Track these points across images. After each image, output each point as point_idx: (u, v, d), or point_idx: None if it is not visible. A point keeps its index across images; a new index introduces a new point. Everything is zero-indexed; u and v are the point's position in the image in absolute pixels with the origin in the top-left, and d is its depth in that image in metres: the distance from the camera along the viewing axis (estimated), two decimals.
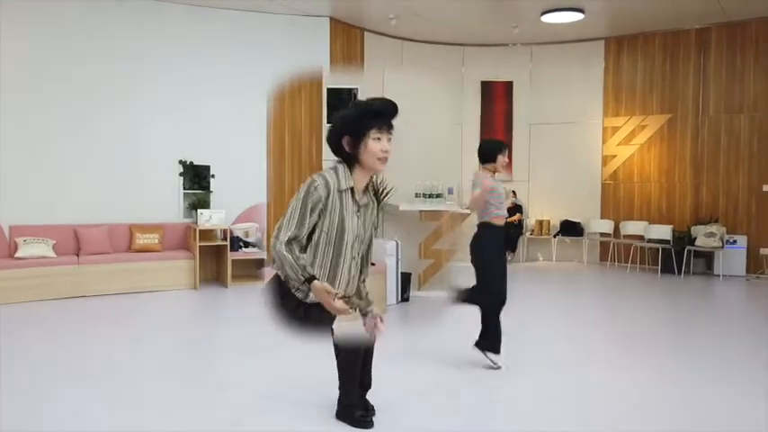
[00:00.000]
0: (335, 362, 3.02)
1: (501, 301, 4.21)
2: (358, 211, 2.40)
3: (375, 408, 3.16)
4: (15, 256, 6.76)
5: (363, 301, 2.60)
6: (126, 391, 3.73)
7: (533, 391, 3.81)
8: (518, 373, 4.14)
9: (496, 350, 4.19)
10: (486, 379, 4.04)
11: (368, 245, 2.53)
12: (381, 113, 2.33)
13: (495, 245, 4.23)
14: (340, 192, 2.33)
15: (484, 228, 4.23)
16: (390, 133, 2.39)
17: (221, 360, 4.57)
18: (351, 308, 2.41)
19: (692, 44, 9.40)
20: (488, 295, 4.16)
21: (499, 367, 4.17)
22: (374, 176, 2.53)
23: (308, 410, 3.36)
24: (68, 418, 3.27)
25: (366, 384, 3.10)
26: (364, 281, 2.61)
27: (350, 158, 2.38)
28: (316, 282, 2.28)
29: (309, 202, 2.29)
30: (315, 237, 2.34)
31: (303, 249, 2.35)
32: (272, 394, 3.68)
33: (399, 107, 2.43)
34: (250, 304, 6.78)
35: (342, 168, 2.39)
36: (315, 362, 3.85)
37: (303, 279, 2.27)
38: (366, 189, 2.48)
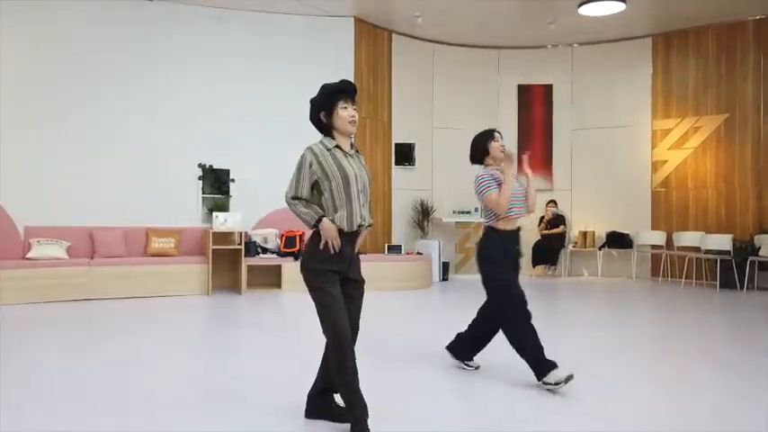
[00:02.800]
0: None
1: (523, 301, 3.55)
2: (351, 159, 2.85)
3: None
4: (27, 256, 6.66)
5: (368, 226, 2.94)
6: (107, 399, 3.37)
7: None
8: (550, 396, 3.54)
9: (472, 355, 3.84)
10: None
11: (366, 182, 2.90)
12: (344, 89, 2.85)
13: (502, 252, 3.65)
14: (329, 150, 2.80)
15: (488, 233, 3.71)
16: (354, 104, 2.86)
17: (207, 367, 4.18)
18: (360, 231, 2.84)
19: (750, 37, 8.59)
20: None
21: (476, 367, 3.83)
22: (354, 138, 2.94)
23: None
24: (60, 420, 2.98)
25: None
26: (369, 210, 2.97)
27: (329, 128, 2.87)
28: (325, 220, 2.73)
29: (301, 167, 2.79)
30: (330, 187, 2.76)
31: (307, 205, 2.81)
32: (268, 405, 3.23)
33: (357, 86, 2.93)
34: (257, 312, 6.43)
35: (325, 138, 2.89)
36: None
37: (315, 220, 2.74)
38: (351, 147, 2.91)
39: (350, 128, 2.84)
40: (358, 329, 2.88)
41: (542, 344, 3.46)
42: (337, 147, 2.83)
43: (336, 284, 2.75)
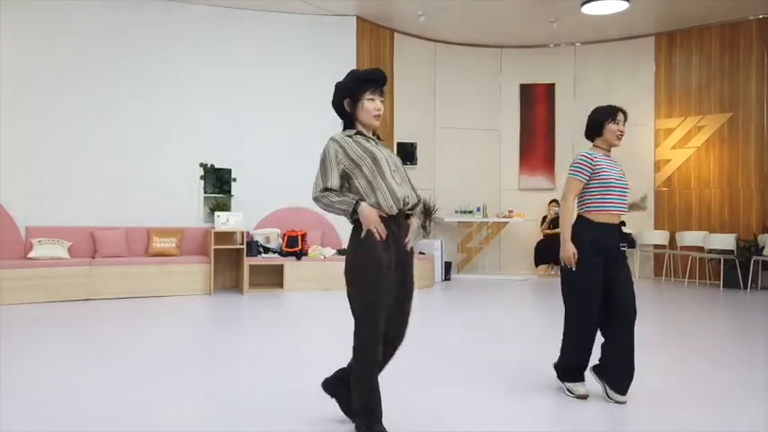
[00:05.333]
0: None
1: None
2: (374, 143, 2.71)
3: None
4: (28, 256, 6.65)
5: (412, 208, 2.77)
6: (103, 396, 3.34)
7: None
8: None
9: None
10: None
11: (397, 162, 2.74)
12: (373, 79, 2.69)
13: (590, 249, 3.14)
14: (350, 137, 2.67)
15: (579, 223, 3.20)
16: (382, 96, 2.72)
17: (198, 369, 4.15)
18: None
19: (754, 35, 8.55)
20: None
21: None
22: (376, 131, 2.79)
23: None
24: (64, 420, 2.97)
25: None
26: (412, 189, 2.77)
27: (351, 118, 2.73)
28: (363, 204, 2.56)
29: (326, 158, 2.64)
30: (363, 173, 2.60)
31: (340, 194, 2.64)
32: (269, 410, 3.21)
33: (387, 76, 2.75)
34: (260, 312, 6.41)
35: (344, 131, 2.75)
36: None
37: (352, 206, 2.56)
38: (373, 135, 2.77)
39: (374, 121, 2.70)
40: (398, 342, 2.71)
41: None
42: (358, 133, 2.70)
43: (385, 283, 2.53)
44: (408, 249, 2.70)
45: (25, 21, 7.02)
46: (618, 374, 3.17)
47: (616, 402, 3.15)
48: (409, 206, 2.67)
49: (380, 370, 2.68)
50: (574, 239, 3.15)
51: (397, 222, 2.63)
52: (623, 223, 3.22)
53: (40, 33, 7.11)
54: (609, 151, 3.31)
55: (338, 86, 2.75)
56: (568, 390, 3.28)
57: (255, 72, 8.13)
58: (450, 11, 8.37)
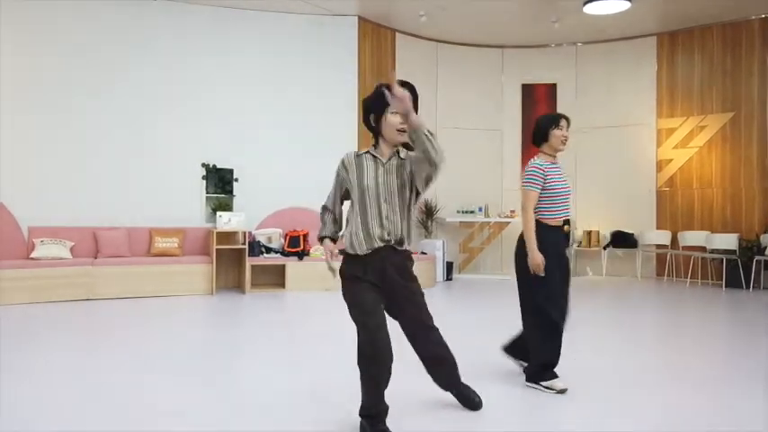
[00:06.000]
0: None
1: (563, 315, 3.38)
2: (381, 166, 2.62)
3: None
4: (30, 256, 6.65)
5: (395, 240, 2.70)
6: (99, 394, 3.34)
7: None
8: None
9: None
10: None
11: (396, 195, 2.63)
12: None
13: (554, 250, 3.33)
14: (358, 156, 2.65)
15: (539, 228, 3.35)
16: None
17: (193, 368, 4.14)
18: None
19: (756, 35, 8.54)
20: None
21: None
22: (399, 149, 2.69)
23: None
24: (69, 421, 2.96)
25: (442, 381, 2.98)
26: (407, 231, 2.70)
27: (376, 133, 2.68)
28: (326, 241, 2.77)
29: (335, 178, 2.75)
30: (353, 199, 2.67)
31: (335, 220, 2.82)
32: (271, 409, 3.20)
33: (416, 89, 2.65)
34: (263, 312, 6.40)
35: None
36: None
37: (318, 237, 2.84)
38: (393, 156, 2.67)
39: (397, 137, 2.60)
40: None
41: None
42: (368, 153, 2.66)
43: (362, 287, 2.61)
44: (404, 281, 2.68)
45: (27, 20, 7.03)
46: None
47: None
48: (390, 243, 2.60)
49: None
50: (539, 246, 3.31)
51: (381, 256, 2.61)
52: (567, 222, 3.39)
53: (42, 33, 7.11)
54: (555, 157, 3.52)
55: (364, 102, 2.70)
56: (548, 387, 3.35)
57: (257, 72, 8.13)
58: (452, 11, 8.37)
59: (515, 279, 3.53)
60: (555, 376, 3.37)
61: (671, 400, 3.27)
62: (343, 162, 2.70)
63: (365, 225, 2.60)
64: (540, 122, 3.52)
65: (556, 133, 3.44)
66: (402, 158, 2.67)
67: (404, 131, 2.56)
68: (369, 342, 2.52)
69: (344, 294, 2.68)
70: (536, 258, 3.28)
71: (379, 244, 2.59)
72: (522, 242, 3.42)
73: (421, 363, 2.88)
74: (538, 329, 3.39)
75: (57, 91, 7.18)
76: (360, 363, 2.58)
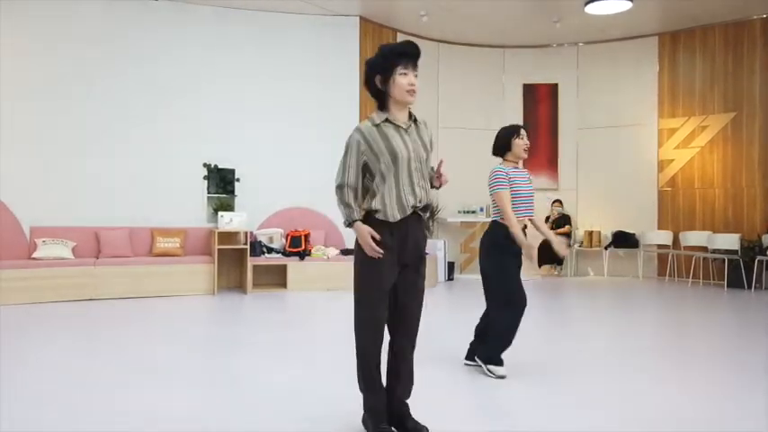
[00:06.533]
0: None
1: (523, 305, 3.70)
2: (404, 133, 2.57)
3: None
4: (32, 256, 6.66)
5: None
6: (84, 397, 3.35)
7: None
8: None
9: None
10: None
11: (423, 158, 2.64)
12: (405, 53, 2.55)
13: (507, 244, 3.67)
14: (377, 126, 2.55)
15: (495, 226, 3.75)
16: (415, 70, 2.57)
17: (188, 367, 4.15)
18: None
19: (758, 35, 8.53)
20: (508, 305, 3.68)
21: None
22: (410, 110, 2.66)
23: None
24: (66, 422, 2.97)
25: (396, 392, 2.67)
26: (432, 188, 2.75)
27: (383, 95, 2.59)
28: (359, 224, 2.53)
29: (348, 151, 2.57)
30: (380, 168, 2.53)
31: (357, 197, 2.58)
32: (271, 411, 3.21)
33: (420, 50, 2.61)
34: (265, 312, 6.41)
35: (375, 112, 2.62)
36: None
37: (347, 222, 2.57)
38: (409, 119, 2.64)
39: (408, 97, 2.55)
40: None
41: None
42: (387, 120, 2.57)
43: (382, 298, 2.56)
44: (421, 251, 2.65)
45: (28, 21, 7.04)
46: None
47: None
48: (419, 208, 2.59)
49: (395, 371, 2.67)
50: (499, 241, 3.67)
51: (407, 224, 2.57)
52: (525, 226, 3.73)
53: (42, 34, 7.12)
54: (517, 164, 3.79)
55: (369, 63, 2.62)
56: (491, 372, 3.61)
57: (258, 72, 8.14)
58: (453, 11, 8.37)
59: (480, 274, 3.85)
60: (501, 363, 3.63)
61: (671, 400, 3.27)
62: (362, 133, 2.55)
63: (399, 194, 2.53)
64: (502, 134, 3.79)
65: (518, 142, 3.72)
66: (417, 123, 2.66)
67: (414, 91, 2.55)
68: (371, 318, 2.56)
69: (363, 262, 2.56)
70: (529, 248, 3.66)
71: (409, 212, 2.55)
72: (488, 241, 3.77)
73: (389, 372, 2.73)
74: (503, 318, 3.67)
75: (58, 91, 7.19)
76: (362, 366, 2.58)
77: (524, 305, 3.67)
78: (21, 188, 6.91)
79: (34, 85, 7.07)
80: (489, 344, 3.70)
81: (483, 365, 3.69)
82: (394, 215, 2.53)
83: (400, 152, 2.52)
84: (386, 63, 2.54)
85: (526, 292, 3.71)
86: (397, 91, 2.54)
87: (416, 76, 2.57)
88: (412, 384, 2.71)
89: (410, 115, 2.64)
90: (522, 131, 3.76)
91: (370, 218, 2.56)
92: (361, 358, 2.60)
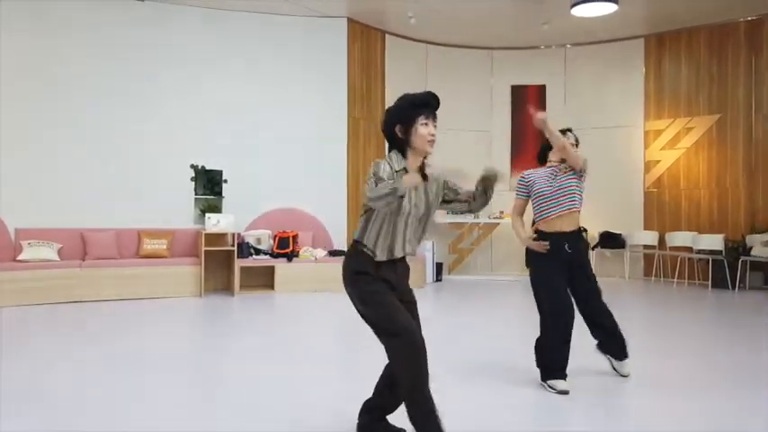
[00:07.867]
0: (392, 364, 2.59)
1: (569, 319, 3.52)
2: (414, 188, 2.57)
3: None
4: (18, 258, 6.61)
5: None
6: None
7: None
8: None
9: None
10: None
11: (427, 215, 2.68)
12: (426, 103, 2.62)
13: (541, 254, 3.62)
14: (395, 172, 2.55)
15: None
16: (435, 120, 2.63)
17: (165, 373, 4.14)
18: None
19: (742, 37, 8.63)
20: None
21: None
22: (425, 159, 2.70)
23: None
24: (53, 421, 2.90)
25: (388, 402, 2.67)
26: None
27: (402, 144, 2.61)
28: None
29: (381, 172, 2.50)
30: (378, 214, 2.53)
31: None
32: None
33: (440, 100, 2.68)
34: (251, 314, 6.40)
35: (394, 155, 2.63)
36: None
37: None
38: (420, 170, 2.65)
39: (428, 147, 2.60)
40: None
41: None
42: (405, 170, 2.58)
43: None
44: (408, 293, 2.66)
45: (16, 23, 6.97)
46: None
47: None
48: (399, 257, 2.58)
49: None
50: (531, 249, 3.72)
51: (393, 265, 2.57)
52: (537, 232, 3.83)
53: (29, 36, 7.07)
54: (559, 163, 3.82)
55: (390, 112, 2.65)
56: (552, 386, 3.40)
57: (246, 74, 8.12)
58: (441, 13, 8.40)
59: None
60: (559, 377, 3.44)
61: (655, 403, 3.30)
62: (391, 167, 2.55)
63: (392, 244, 2.55)
64: (543, 145, 3.84)
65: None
66: (427, 177, 2.67)
67: (434, 142, 2.60)
68: (414, 342, 2.47)
69: (364, 295, 2.53)
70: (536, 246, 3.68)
71: (397, 257, 2.58)
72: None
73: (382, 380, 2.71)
74: (544, 328, 3.57)
75: (44, 93, 7.13)
76: (409, 363, 2.48)
77: (563, 314, 3.48)
78: (5, 189, 6.85)
79: (19, 87, 7.00)
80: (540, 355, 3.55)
81: (544, 383, 3.47)
82: (381, 258, 2.54)
83: (404, 207, 2.54)
84: (407, 113, 2.59)
85: (568, 300, 3.53)
86: (419, 141, 2.58)
87: (436, 126, 2.64)
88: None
89: (423, 166, 2.68)
90: (569, 134, 3.81)
91: (357, 246, 2.57)
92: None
